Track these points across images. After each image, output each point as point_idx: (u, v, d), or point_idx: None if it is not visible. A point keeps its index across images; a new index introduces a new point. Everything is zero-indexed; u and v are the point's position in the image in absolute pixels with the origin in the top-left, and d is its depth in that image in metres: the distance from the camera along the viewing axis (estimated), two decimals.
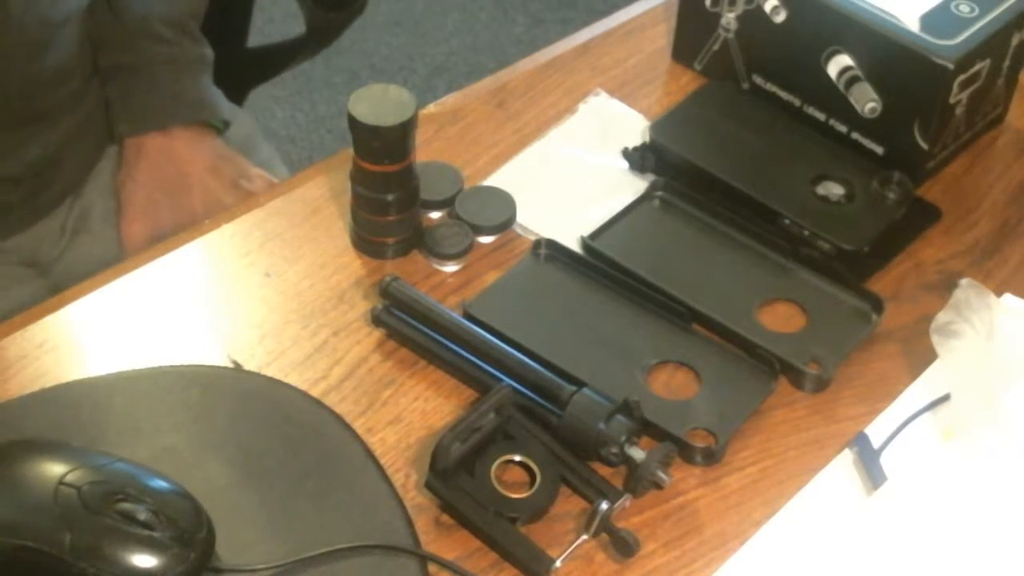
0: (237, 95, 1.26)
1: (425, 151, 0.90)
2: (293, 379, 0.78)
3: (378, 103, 0.80)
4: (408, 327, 0.80)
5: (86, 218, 1.08)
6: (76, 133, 1.06)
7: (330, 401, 0.77)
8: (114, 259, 0.99)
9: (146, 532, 0.63)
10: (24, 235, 1.06)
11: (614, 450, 0.73)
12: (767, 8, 0.92)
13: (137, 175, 1.06)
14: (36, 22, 0.97)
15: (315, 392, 0.78)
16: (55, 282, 1.05)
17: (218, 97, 1.10)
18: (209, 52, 1.10)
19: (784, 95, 0.95)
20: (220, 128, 1.10)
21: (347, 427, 0.75)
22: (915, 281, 0.86)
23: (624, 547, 0.70)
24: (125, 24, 1.06)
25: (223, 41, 1.15)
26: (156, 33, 1.06)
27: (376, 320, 0.81)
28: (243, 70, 1.28)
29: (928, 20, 0.88)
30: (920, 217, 0.90)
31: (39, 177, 1.04)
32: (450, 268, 0.85)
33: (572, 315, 0.83)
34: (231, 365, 0.79)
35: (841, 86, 0.91)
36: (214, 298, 0.84)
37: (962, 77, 0.87)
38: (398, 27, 2.35)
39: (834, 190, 0.89)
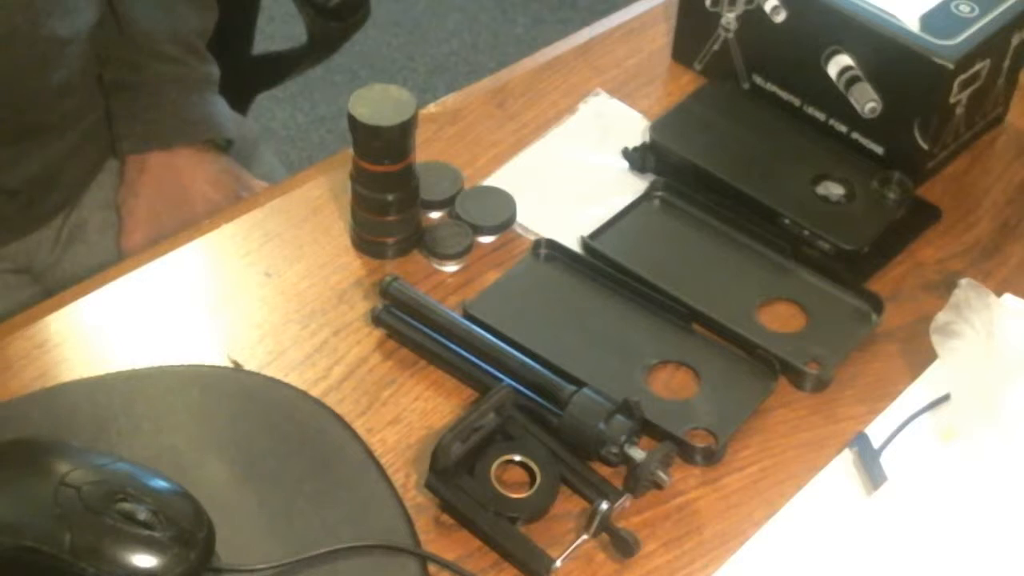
0: (241, 102, 1.25)
1: (425, 151, 0.90)
2: (293, 379, 0.78)
3: (378, 103, 0.80)
4: (408, 327, 0.80)
5: (82, 228, 1.07)
6: (77, 147, 1.05)
7: (330, 401, 0.77)
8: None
9: (146, 532, 0.63)
10: (18, 243, 1.05)
11: (614, 450, 0.73)
12: (767, 8, 0.92)
13: (139, 190, 1.05)
14: (44, 38, 0.97)
15: (315, 392, 0.78)
16: (48, 289, 1.05)
17: (223, 115, 1.09)
18: (215, 70, 1.09)
19: (784, 95, 0.95)
20: (223, 146, 1.09)
21: (347, 427, 0.75)
22: (915, 281, 0.86)
23: (624, 547, 0.70)
24: (132, 41, 1.05)
25: (227, 49, 1.15)
26: (163, 52, 1.05)
27: (376, 320, 0.81)
28: (247, 77, 1.28)
29: (928, 20, 0.88)
30: (920, 217, 0.90)
31: (37, 189, 1.04)
32: (450, 268, 0.85)
33: (572, 315, 0.83)
34: (231, 365, 0.79)
35: (841, 86, 0.91)
36: (214, 298, 0.84)
37: (962, 77, 0.87)
38: (398, 27, 2.35)
39: (834, 190, 0.89)
